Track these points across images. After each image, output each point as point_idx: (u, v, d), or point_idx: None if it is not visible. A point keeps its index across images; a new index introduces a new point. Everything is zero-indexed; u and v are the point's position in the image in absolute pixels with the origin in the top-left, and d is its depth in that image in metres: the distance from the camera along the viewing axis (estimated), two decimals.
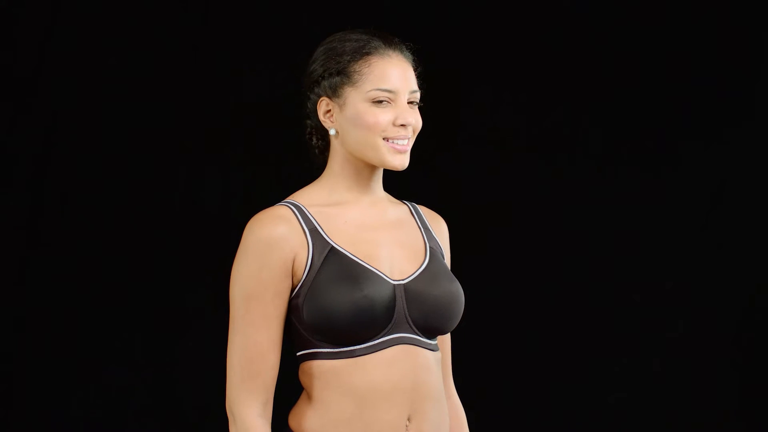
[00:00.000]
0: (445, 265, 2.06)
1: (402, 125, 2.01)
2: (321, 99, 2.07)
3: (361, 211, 2.08)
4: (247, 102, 3.30)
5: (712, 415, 3.28)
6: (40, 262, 3.26)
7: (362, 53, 2.03)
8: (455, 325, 2.04)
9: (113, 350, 3.27)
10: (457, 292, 2.02)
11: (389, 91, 2.01)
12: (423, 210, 2.14)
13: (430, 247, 2.06)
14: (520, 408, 3.32)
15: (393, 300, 1.97)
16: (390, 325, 1.97)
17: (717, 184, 3.29)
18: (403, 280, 2.00)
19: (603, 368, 3.29)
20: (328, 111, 2.06)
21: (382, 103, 2.01)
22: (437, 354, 2.03)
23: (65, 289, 3.25)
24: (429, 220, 2.13)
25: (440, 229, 2.14)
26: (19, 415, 3.25)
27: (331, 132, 2.07)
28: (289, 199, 2.08)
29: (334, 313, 1.95)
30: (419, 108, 2.09)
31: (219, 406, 3.30)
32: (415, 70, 2.08)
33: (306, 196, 2.08)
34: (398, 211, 2.11)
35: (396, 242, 2.04)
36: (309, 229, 2.03)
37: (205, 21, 3.31)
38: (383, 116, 2.01)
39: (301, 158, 3.32)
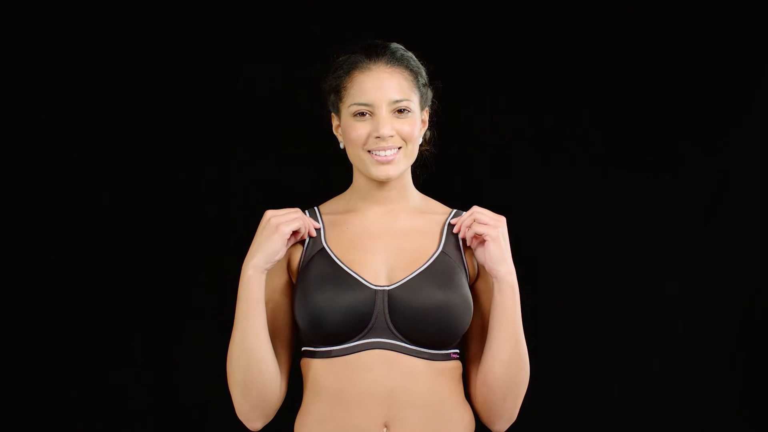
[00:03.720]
0: (448, 273, 2.03)
1: (377, 137, 2.02)
2: (332, 116, 2.11)
3: (369, 219, 2.10)
4: (247, 102, 3.30)
5: (712, 415, 3.28)
6: (40, 262, 3.26)
7: (347, 70, 2.07)
8: (452, 335, 1.99)
9: (113, 350, 3.27)
10: (446, 301, 1.98)
11: (365, 105, 2.04)
12: None
13: (439, 255, 2.04)
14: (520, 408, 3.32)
15: (370, 305, 1.97)
16: (366, 330, 1.97)
17: (717, 184, 3.29)
18: (388, 286, 1.99)
19: (603, 368, 3.29)
20: (338, 126, 2.11)
21: (364, 116, 2.04)
22: (438, 364, 2.00)
23: (65, 289, 3.25)
24: None
25: None
26: (19, 415, 3.25)
27: (341, 146, 2.10)
28: (318, 206, 2.13)
29: (308, 312, 1.99)
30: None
31: (219, 405, 3.31)
32: (413, 76, 2.08)
33: (329, 204, 2.16)
34: (419, 220, 2.10)
35: (395, 250, 2.04)
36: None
37: (205, 21, 3.31)
38: (363, 129, 2.04)
39: (301, 158, 3.33)
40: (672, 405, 3.28)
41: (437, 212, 2.14)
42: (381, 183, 2.09)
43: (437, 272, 2.02)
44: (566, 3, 3.31)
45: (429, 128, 2.19)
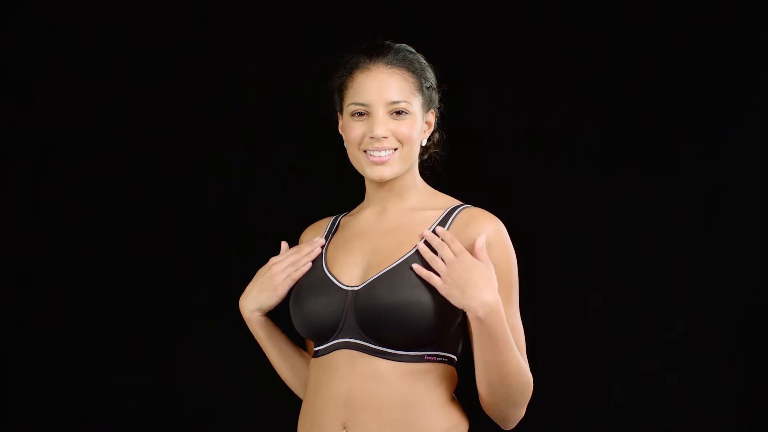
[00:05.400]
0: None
1: (372, 137, 2.02)
2: (338, 115, 2.12)
3: (362, 219, 2.12)
4: (247, 102, 3.31)
5: (712, 415, 3.28)
6: (40, 262, 3.26)
7: (349, 70, 2.07)
8: (415, 336, 1.94)
9: (113, 350, 3.27)
10: (406, 301, 1.93)
11: (363, 104, 2.04)
12: (464, 214, 2.05)
13: (413, 253, 1.99)
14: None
15: (341, 306, 1.98)
16: (338, 330, 1.98)
17: (717, 184, 3.29)
18: (356, 286, 1.99)
19: (603, 368, 3.29)
20: (342, 126, 2.11)
21: (362, 116, 2.04)
22: (407, 365, 1.95)
23: (65, 290, 3.25)
24: (459, 225, 2.03)
25: (467, 235, 2.00)
26: (19, 415, 3.26)
27: (344, 144, 2.11)
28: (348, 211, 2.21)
29: (293, 314, 2.05)
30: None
31: (219, 405, 3.31)
32: (415, 78, 2.07)
33: (355, 207, 2.20)
34: (408, 218, 2.08)
35: (374, 249, 2.04)
36: (327, 237, 2.11)
37: (205, 21, 3.31)
38: (359, 129, 2.04)
39: (301, 158, 3.33)
40: (672, 405, 3.28)
41: (434, 208, 2.09)
42: (380, 184, 2.10)
43: (407, 271, 1.98)
44: (566, 3, 3.31)
45: (437, 130, 2.19)
